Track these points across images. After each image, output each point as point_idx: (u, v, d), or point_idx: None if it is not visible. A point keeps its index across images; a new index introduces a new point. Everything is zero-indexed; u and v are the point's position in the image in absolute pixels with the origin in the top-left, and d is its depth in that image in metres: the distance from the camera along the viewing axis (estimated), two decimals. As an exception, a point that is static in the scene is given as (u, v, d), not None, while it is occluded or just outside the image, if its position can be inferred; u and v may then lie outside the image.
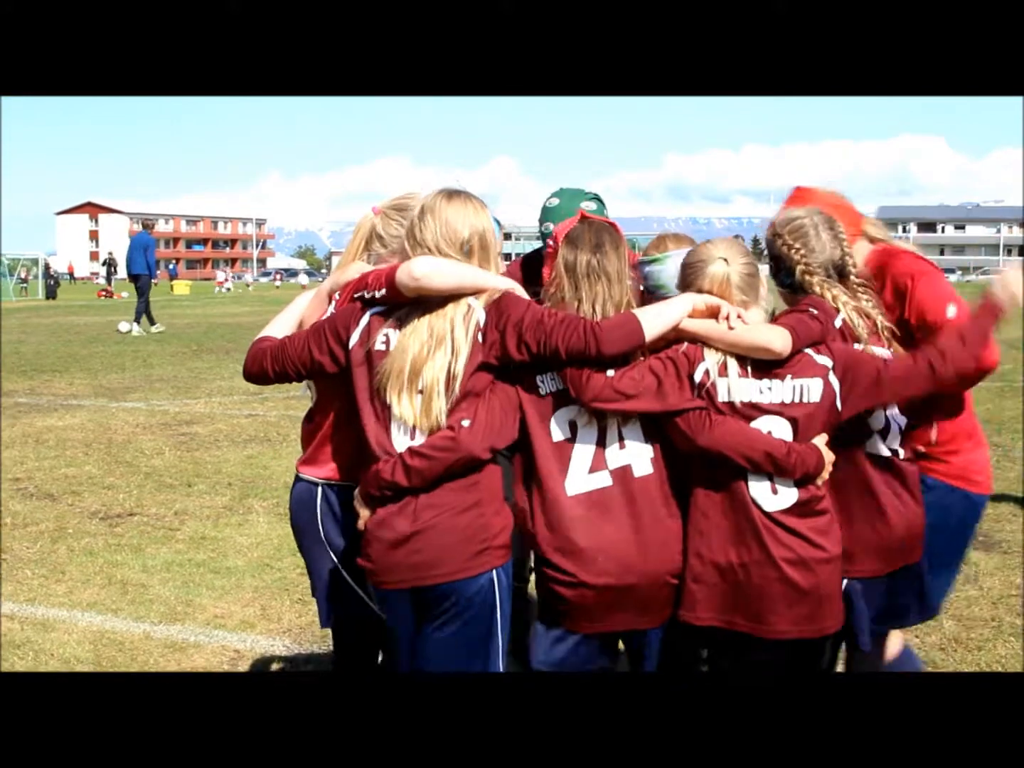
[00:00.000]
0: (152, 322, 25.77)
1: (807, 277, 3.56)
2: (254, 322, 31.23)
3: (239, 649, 5.68)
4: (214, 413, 13.14)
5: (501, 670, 3.42)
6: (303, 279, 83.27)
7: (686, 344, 3.36)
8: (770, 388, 3.34)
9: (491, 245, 3.43)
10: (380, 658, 3.89)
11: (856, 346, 3.50)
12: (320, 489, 3.73)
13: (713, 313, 3.33)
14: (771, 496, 3.33)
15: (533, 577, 3.60)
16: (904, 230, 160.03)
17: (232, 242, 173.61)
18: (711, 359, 3.32)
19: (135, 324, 25.55)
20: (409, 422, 3.32)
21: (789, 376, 3.35)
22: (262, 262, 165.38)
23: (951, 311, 3.74)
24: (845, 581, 3.55)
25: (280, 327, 3.72)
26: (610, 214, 4.22)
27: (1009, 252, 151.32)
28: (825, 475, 3.38)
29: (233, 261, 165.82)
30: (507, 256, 7.57)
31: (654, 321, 3.29)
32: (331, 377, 3.52)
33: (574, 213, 4.13)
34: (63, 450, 10.72)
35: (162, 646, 5.69)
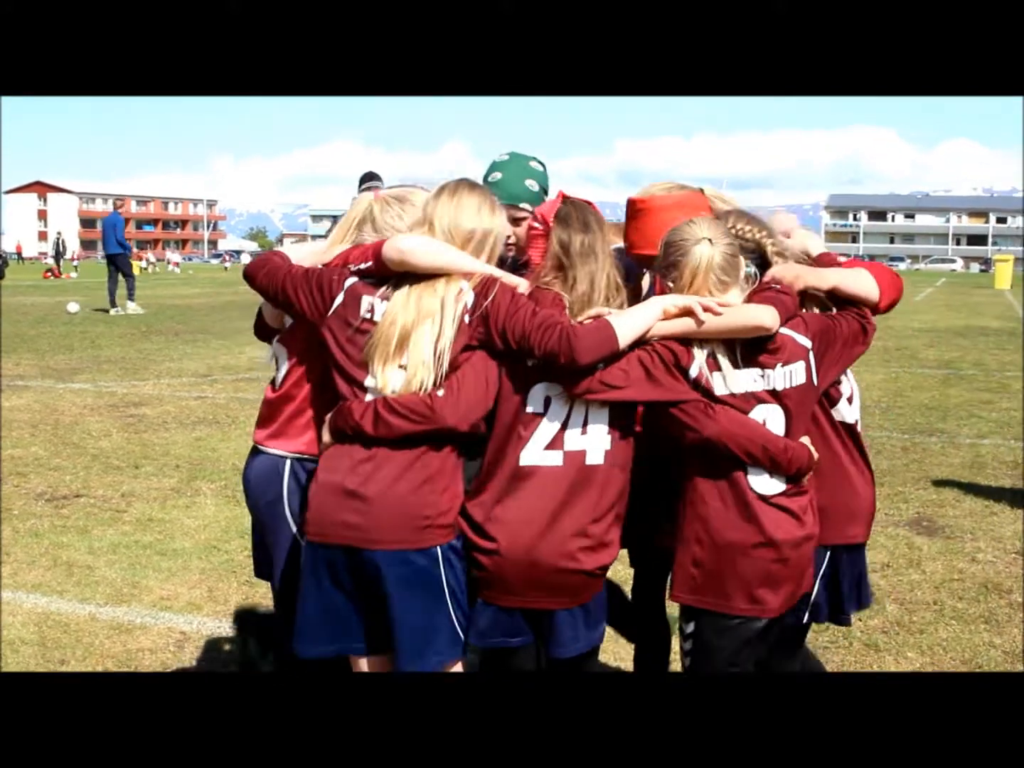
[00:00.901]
0: (113, 304, 25.62)
1: (777, 258, 3.61)
2: (204, 304, 31.05)
3: (185, 631, 5.65)
4: (162, 395, 13.03)
5: (454, 647, 3.43)
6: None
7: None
8: (763, 376, 3.37)
9: (491, 246, 3.47)
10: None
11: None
12: (288, 463, 3.67)
13: (686, 312, 3.33)
14: (768, 480, 3.37)
15: None
16: (855, 219, 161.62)
17: (183, 223, 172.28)
18: (700, 356, 3.33)
19: (130, 303, 25.63)
20: (387, 393, 3.33)
21: (779, 364, 3.38)
22: (213, 243, 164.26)
23: (842, 260, 3.85)
24: (828, 552, 3.62)
25: (295, 253, 3.70)
26: None
27: (958, 241, 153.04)
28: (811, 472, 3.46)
29: (184, 242, 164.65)
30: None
31: (628, 329, 3.29)
32: (309, 332, 3.51)
33: (523, 187, 4.12)
34: (9, 431, 10.61)
35: (108, 628, 5.65)
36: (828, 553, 3.64)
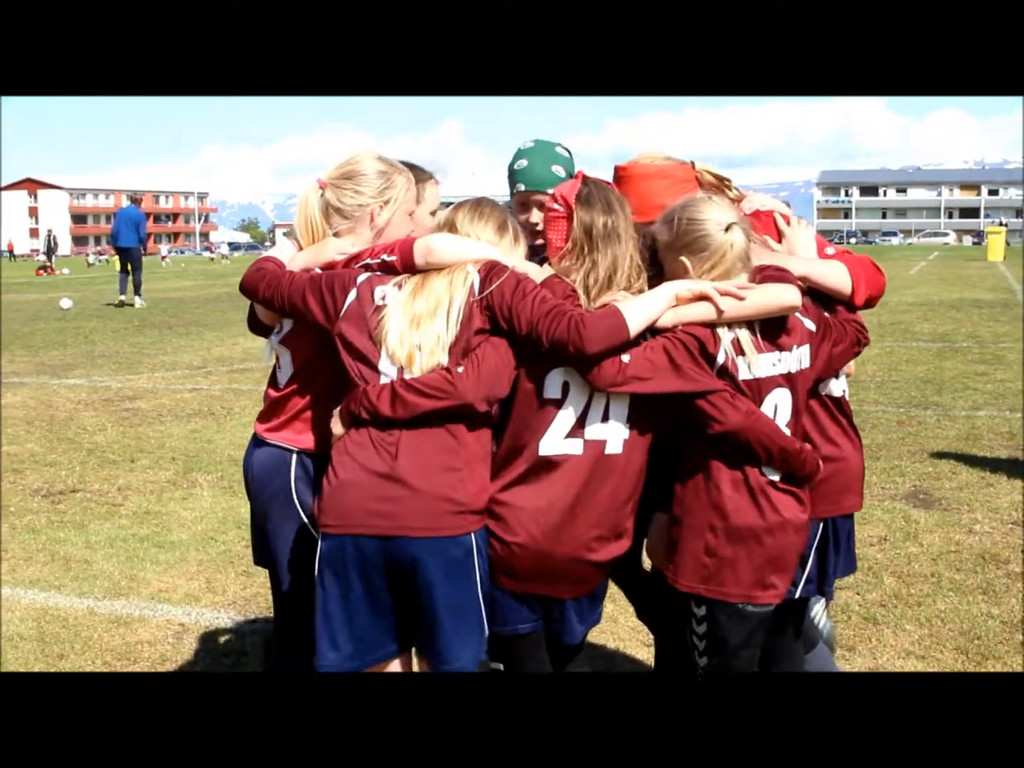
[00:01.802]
0: (123, 293, 25.97)
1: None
2: (197, 296, 31.01)
3: (184, 623, 5.65)
4: (157, 388, 13.02)
5: (484, 643, 3.37)
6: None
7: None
8: (780, 360, 3.34)
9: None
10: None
11: None
12: (295, 456, 3.62)
13: (698, 297, 3.28)
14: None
15: None
16: (847, 194, 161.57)
17: (174, 216, 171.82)
18: (726, 339, 3.28)
19: (137, 297, 25.79)
20: (403, 375, 3.28)
21: (795, 346, 3.36)
22: (205, 236, 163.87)
23: (829, 252, 3.75)
24: (821, 525, 3.61)
25: (286, 252, 3.65)
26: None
27: (950, 214, 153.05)
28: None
29: (176, 235, 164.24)
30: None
31: (639, 316, 3.23)
32: (316, 335, 3.46)
33: (549, 172, 4.08)
34: (4, 428, 10.59)
35: (106, 621, 5.64)
36: (821, 526, 3.63)
